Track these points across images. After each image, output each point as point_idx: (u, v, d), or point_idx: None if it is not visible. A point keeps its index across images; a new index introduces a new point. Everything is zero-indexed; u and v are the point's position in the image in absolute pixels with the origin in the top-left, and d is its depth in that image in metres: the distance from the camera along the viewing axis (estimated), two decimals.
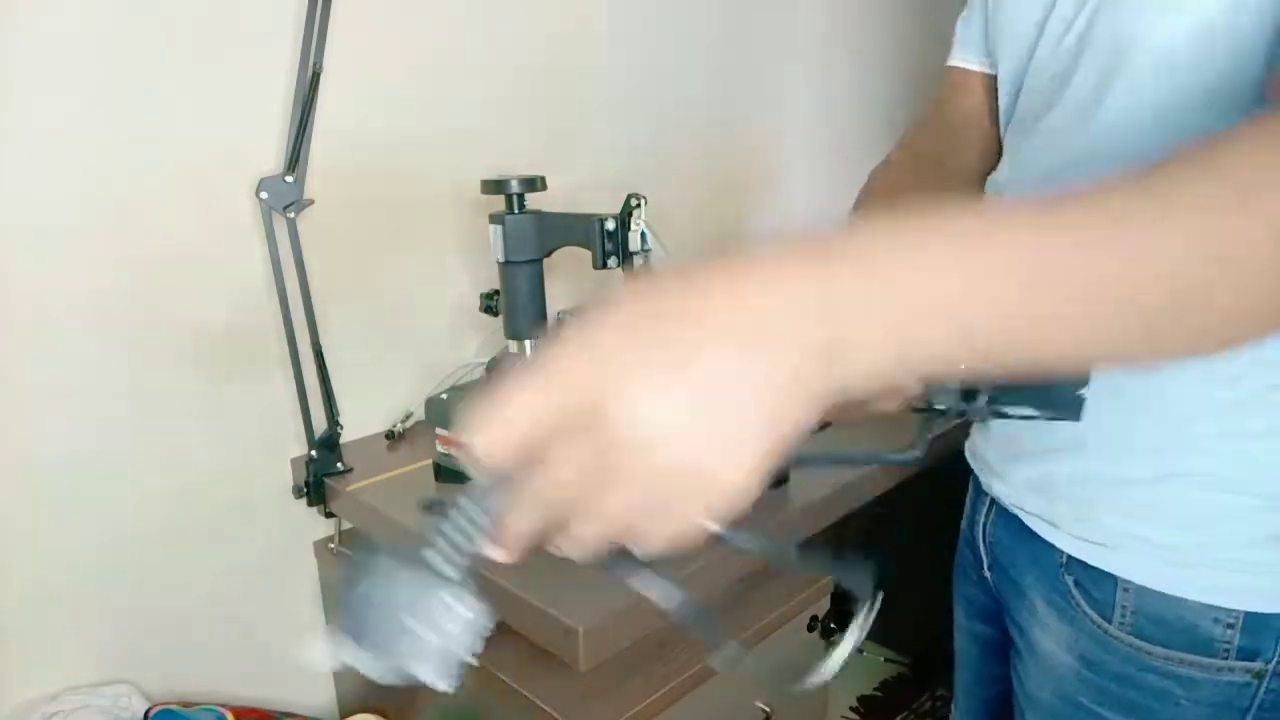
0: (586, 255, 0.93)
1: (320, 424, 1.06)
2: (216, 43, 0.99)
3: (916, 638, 1.70)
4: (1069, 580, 0.66)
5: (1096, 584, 0.64)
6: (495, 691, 0.86)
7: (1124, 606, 0.63)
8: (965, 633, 0.84)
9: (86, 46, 0.91)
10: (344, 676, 1.17)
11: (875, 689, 1.65)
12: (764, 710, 0.93)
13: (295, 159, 1.01)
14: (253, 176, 1.00)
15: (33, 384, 0.92)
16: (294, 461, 1.10)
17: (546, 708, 0.80)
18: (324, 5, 1.00)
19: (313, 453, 1.06)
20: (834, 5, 1.78)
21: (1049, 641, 0.69)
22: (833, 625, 1.00)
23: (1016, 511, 0.71)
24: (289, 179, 1.01)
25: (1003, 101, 0.70)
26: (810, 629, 0.98)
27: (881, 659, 1.72)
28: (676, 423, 0.29)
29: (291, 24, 1.01)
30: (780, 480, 0.96)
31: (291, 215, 1.02)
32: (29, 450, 0.93)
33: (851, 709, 1.60)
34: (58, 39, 0.89)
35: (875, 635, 1.77)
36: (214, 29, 0.99)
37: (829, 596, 0.99)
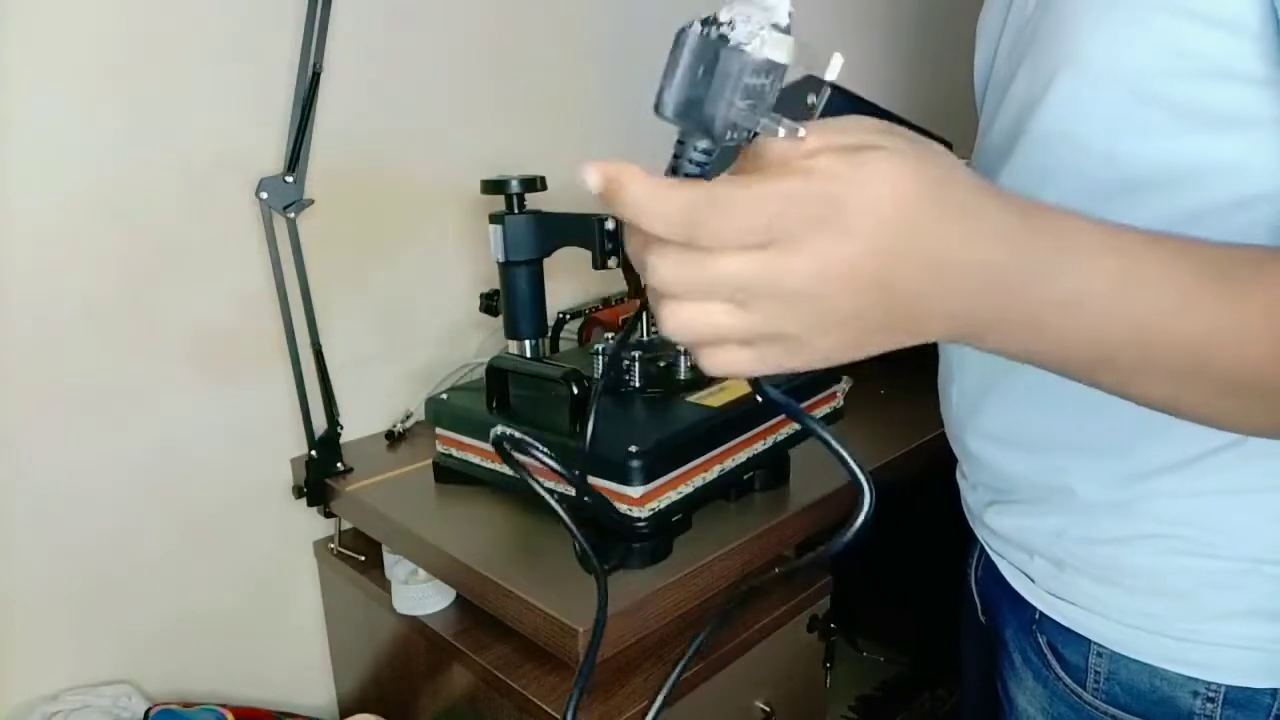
0: (586, 255, 0.93)
1: (320, 424, 1.06)
2: (216, 42, 0.99)
3: (916, 638, 1.70)
4: (1041, 640, 0.64)
5: (1069, 646, 0.62)
6: (495, 691, 0.86)
7: (1097, 672, 0.60)
8: (972, 667, 0.82)
9: (86, 46, 0.91)
10: (344, 676, 1.17)
11: (875, 689, 1.65)
12: (764, 710, 0.93)
13: (295, 159, 1.01)
14: (253, 176, 1.00)
15: (31, 384, 0.92)
16: (294, 461, 1.10)
17: (546, 707, 0.80)
18: (324, 5, 1.00)
19: (313, 453, 1.06)
20: (836, 10, 1.78)
21: (1025, 701, 0.67)
22: (833, 625, 1.01)
23: (997, 560, 0.68)
24: (289, 179, 1.01)
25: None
26: (810, 629, 0.98)
27: (881, 659, 1.72)
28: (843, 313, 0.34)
29: (291, 24, 1.01)
30: (780, 480, 0.96)
31: (291, 215, 1.02)
32: (28, 450, 0.93)
33: (851, 709, 1.60)
34: (57, 39, 0.89)
35: (875, 635, 1.77)
36: (214, 29, 0.99)
37: (829, 597, 0.99)
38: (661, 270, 0.34)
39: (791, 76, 0.36)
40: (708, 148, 0.34)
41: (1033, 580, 0.64)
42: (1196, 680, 0.56)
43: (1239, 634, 0.55)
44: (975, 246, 0.34)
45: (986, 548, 0.71)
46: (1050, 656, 0.63)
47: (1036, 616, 0.64)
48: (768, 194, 0.32)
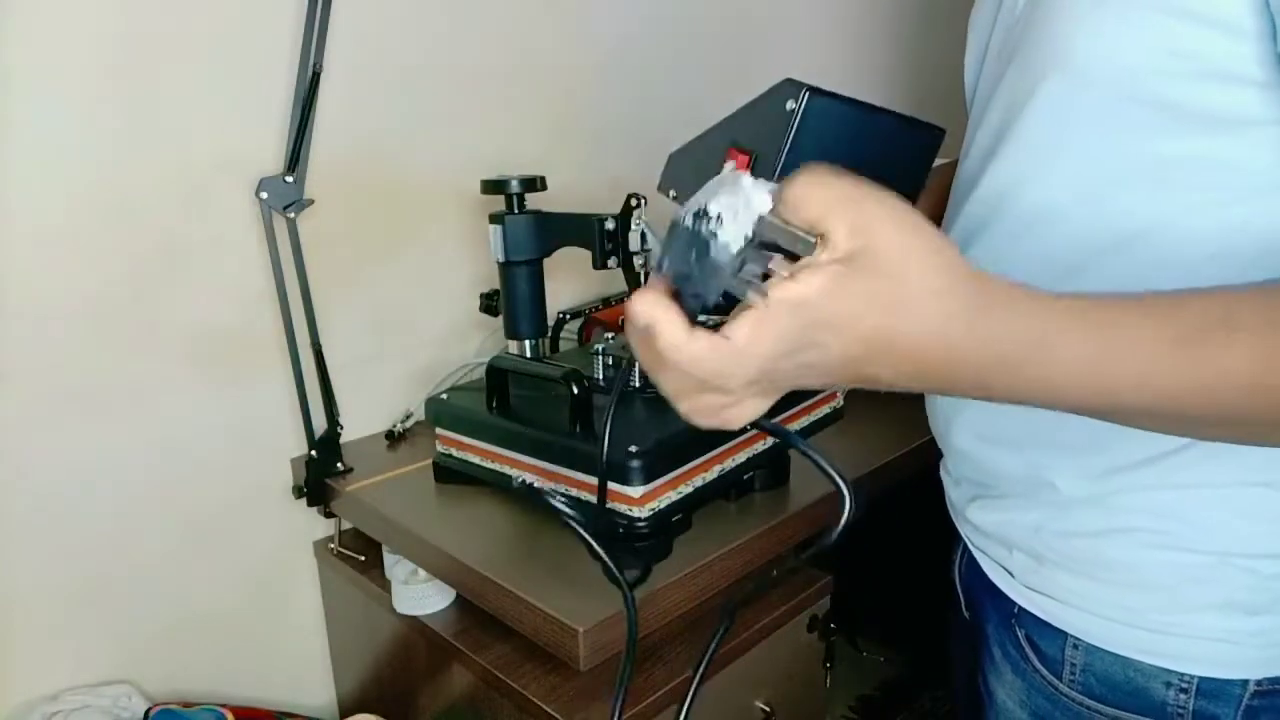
0: (586, 255, 0.93)
1: (320, 424, 1.06)
2: (216, 43, 0.99)
3: (916, 638, 1.70)
4: (1020, 633, 0.65)
5: (1046, 639, 0.63)
6: (495, 691, 0.86)
7: (1073, 664, 0.61)
8: (960, 663, 0.82)
9: (86, 47, 0.91)
10: (344, 676, 1.17)
11: (875, 689, 1.65)
12: (764, 710, 0.93)
13: (295, 159, 1.01)
14: (253, 176, 1.00)
15: (31, 384, 0.92)
16: (294, 461, 1.10)
17: (546, 707, 0.80)
18: (324, 5, 1.00)
19: (313, 453, 1.06)
20: (836, 6, 1.78)
21: (1004, 694, 0.67)
22: (833, 625, 1.01)
23: (978, 555, 0.69)
24: (289, 179, 1.01)
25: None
26: (810, 629, 0.98)
27: (881, 659, 1.72)
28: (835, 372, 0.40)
29: (291, 24, 1.01)
30: (780, 480, 0.96)
31: (291, 215, 1.02)
32: (28, 450, 0.93)
33: (851, 709, 1.60)
34: (57, 39, 0.89)
35: (875, 635, 1.76)
36: (213, 29, 0.99)
37: (829, 597, 0.99)
38: (671, 389, 0.42)
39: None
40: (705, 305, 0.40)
41: (1012, 575, 0.65)
42: (1170, 671, 0.57)
43: (1211, 626, 0.56)
44: (944, 347, 0.39)
45: (968, 543, 0.71)
46: (1028, 649, 0.64)
47: (1016, 610, 0.65)
48: (762, 350, 0.38)
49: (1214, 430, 0.43)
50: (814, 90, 0.55)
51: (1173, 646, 0.57)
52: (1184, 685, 0.57)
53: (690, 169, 0.68)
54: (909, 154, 0.63)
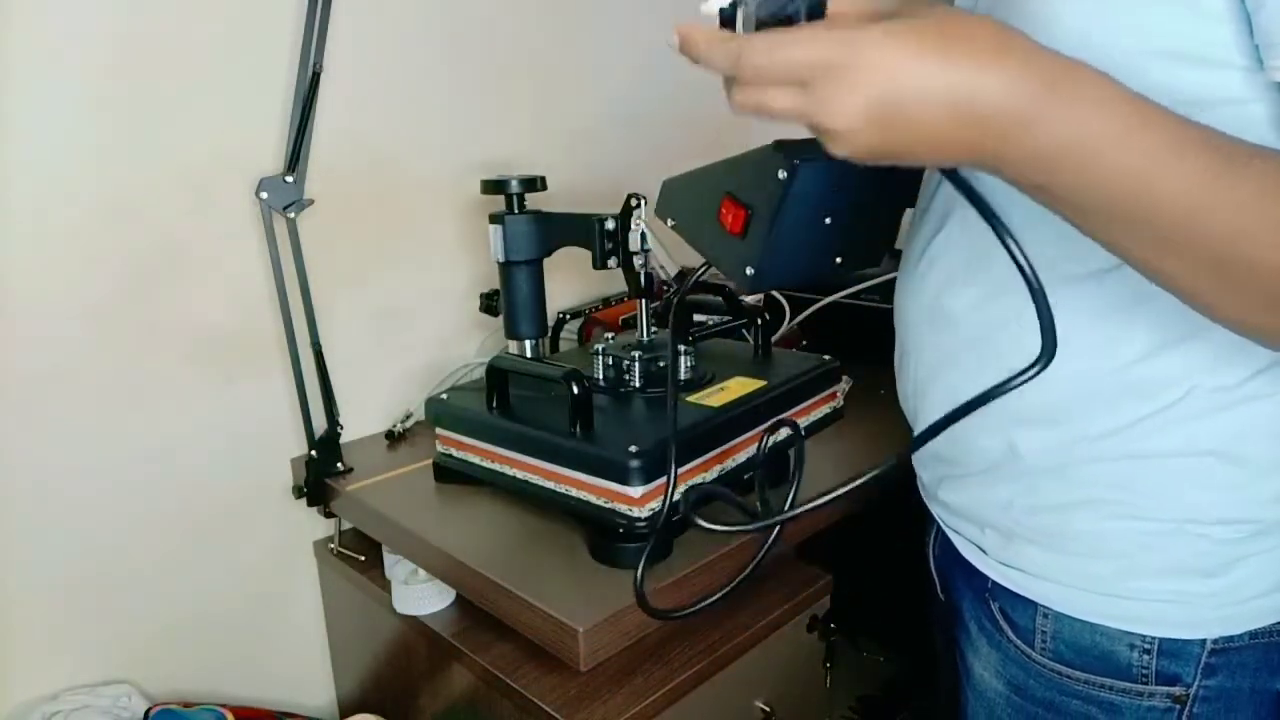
0: (586, 255, 0.93)
1: (320, 424, 1.07)
2: (216, 43, 0.99)
3: (917, 637, 1.70)
4: (995, 607, 0.67)
5: (1018, 610, 0.65)
6: (495, 691, 0.86)
7: (1044, 632, 0.64)
8: (942, 647, 0.84)
9: (86, 46, 0.91)
10: (344, 676, 1.17)
11: (875, 689, 1.65)
12: (764, 710, 0.93)
13: (295, 159, 1.01)
14: (253, 176, 1.00)
15: (31, 384, 0.92)
16: (294, 461, 1.10)
17: (546, 707, 0.80)
18: (324, 5, 1.00)
19: (313, 453, 1.06)
20: None
21: (981, 667, 0.70)
22: (833, 625, 1.01)
23: (951, 535, 0.72)
24: (289, 179, 1.01)
25: None
26: (810, 629, 0.98)
27: (881, 659, 1.72)
28: (869, 114, 0.40)
29: (291, 24, 1.01)
30: (780, 481, 0.96)
31: (291, 215, 1.02)
32: (27, 450, 0.93)
33: (851, 709, 1.60)
34: (58, 39, 0.89)
35: (875, 635, 1.76)
36: (213, 29, 0.99)
37: (829, 597, 0.99)
38: (753, 57, 0.44)
39: None
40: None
41: (985, 552, 0.67)
42: (1132, 634, 0.60)
43: (1168, 590, 0.59)
44: (998, 74, 0.39)
45: (941, 524, 0.74)
46: (1002, 622, 0.67)
47: (989, 585, 0.67)
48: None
49: (1215, 275, 0.43)
50: (803, 161, 0.60)
51: (1134, 610, 0.60)
52: (1146, 647, 0.60)
53: (686, 203, 0.71)
54: (900, 175, 0.64)
